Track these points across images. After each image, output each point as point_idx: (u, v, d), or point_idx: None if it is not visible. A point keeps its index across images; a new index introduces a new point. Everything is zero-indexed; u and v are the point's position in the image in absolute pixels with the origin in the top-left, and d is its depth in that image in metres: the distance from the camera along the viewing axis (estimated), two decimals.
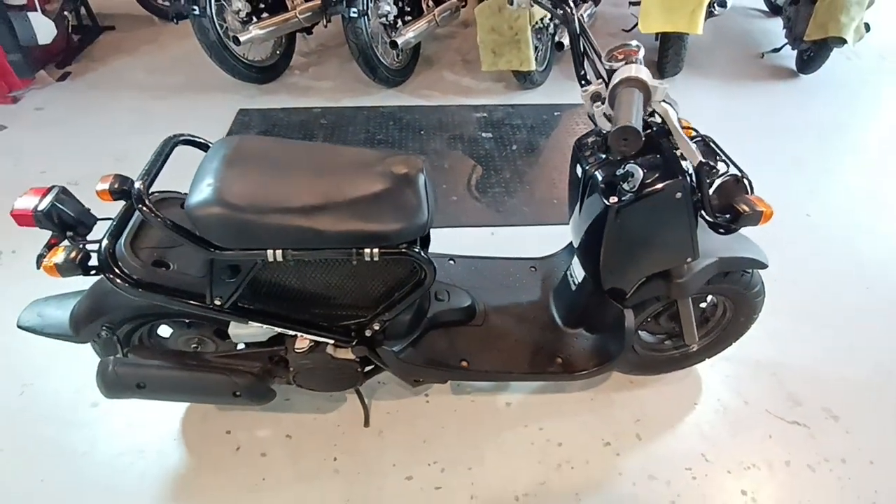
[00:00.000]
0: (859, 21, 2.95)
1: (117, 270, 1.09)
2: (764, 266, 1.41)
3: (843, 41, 2.96)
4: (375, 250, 1.07)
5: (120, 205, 1.22)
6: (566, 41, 2.87)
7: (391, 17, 2.98)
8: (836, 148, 2.82)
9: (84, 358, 1.74)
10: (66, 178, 2.51)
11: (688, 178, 1.08)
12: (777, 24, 3.81)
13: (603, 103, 1.04)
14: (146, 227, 1.18)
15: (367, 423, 1.59)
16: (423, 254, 1.13)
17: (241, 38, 2.80)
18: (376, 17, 2.94)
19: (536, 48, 2.90)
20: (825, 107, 3.16)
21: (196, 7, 2.75)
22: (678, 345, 1.66)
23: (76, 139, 2.81)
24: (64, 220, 1.12)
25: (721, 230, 1.19)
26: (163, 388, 1.29)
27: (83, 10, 3.63)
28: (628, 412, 1.66)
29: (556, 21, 3.02)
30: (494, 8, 2.75)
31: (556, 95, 3.21)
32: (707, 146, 1.13)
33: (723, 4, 3.06)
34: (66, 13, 3.32)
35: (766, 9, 4.18)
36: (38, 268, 1.12)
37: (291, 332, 1.23)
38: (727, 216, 1.13)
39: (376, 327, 1.27)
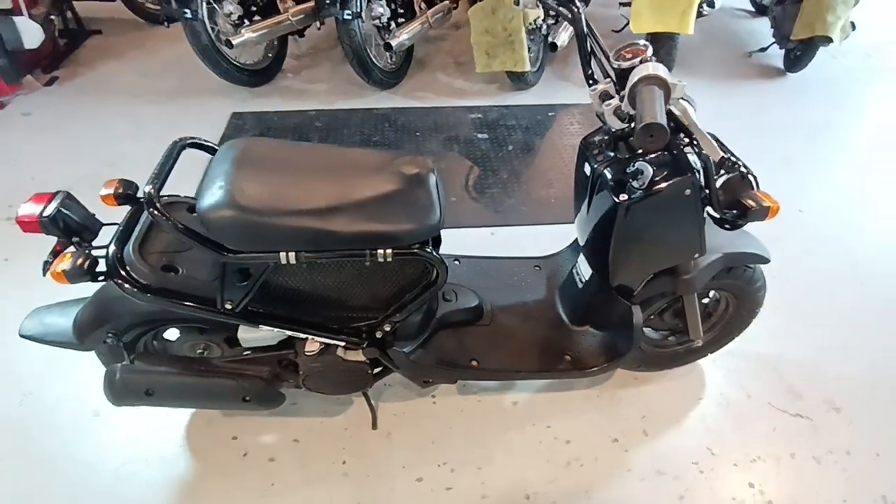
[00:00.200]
0: (845, 20, 3.02)
1: (126, 276, 1.08)
2: (766, 261, 1.43)
3: (830, 40, 3.02)
4: (388, 251, 1.07)
5: (121, 209, 1.21)
6: (560, 42, 2.90)
7: (384, 20, 2.98)
8: (824, 145, 2.87)
9: (84, 366, 1.71)
10: (58, 184, 2.45)
11: (697, 175, 1.09)
12: (763, 23, 3.87)
13: (619, 101, 1.05)
14: (154, 231, 1.16)
15: (374, 426, 1.58)
16: (435, 254, 1.13)
17: (234, 42, 2.78)
18: (369, 19, 2.93)
19: (529, 49, 2.91)
20: (813, 104, 3.22)
21: (188, 10, 2.72)
22: (681, 340, 1.68)
23: (67, 144, 2.77)
24: (69, 226, 1.10)
25: (727, 226, 1.21)
26: (171, 395, 1.27)
27: (69, 14, 3.58)
28: (634, 409, 1.67)
29: (550, 22, 3.05)
30: (488, 10, 2.76)
31: (550, 96, 3.23)
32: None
33: (711, 5, 3.10)
34: (52, 17, 3.27)
35: (751, 9, 4.24)
36: (45, 275, 1.10)
37: (302, 335, 1.22)
38: (735, 212, 1.14)
39: (387, 328, 1.26)
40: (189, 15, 2.74)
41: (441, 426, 1.62)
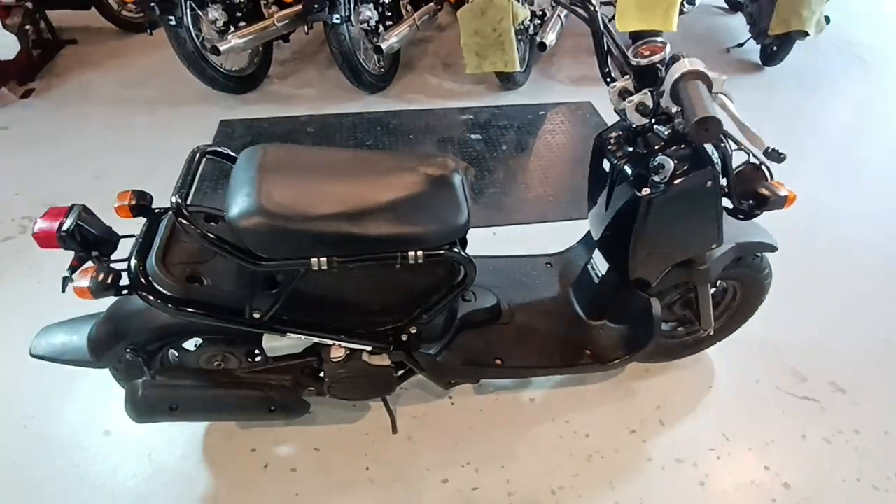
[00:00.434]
0: (820, 14, 3.12)
1: (152, 289, 1.05)
2: (775, 249, 1.47)
3: (806, 34, 3.12)
4: (419, 253, 1.07)
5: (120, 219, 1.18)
6: (548, 41, 2.93)
7: (372, 23, 2.97)
8: (804, 135, 2.97)
9: (87, 385, 1.67)
10: (44, 200, 2.40)
11: (716, 167, 1.12)
12: (738, 20, 3.98)
13: (641, 97, 1.07)
14: (175, 242, 1.14)
15: (394, 430, 1.57)
16: (463, 254, 1.13)
17: (221, 48, 2.73)
18: (357, 23, 2.92)
19: (518, 49, 2.93)
20: (791, 96, 3.32)
21: (172, 17, 2.67)
22: (690, 330, 1.71)
23: (50, 158, 2.68)
24: (88, 240, 1.07)
25: (741, 216, 1.24)
26: (196, 409, 1.24)
27: (42, 24, 3.47)
28: (648, 400, 1.70)
29: (536, 22, 3.08)
30: (477, 11, 2.78)
31: (539, 95, 3.26)
32: (724, 136, 1.17)
33: (692, 2, 3.17)
34: (27, 27, 3.17)
35: (725, 6, 4.35)
36: (64, 291, 1.07)
37: (329, 342, 1.21)
38: (751, 202, 1.17)
39: (413, 331, 1.26)
40: (174, 22, 2.68)
41: (461, 427, 1.62)
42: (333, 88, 3.29)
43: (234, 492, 1.45)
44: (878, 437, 1.61)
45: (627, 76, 1.15)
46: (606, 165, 1.24)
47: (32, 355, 1.28)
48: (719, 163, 1.13)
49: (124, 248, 1.17)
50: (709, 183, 1.13)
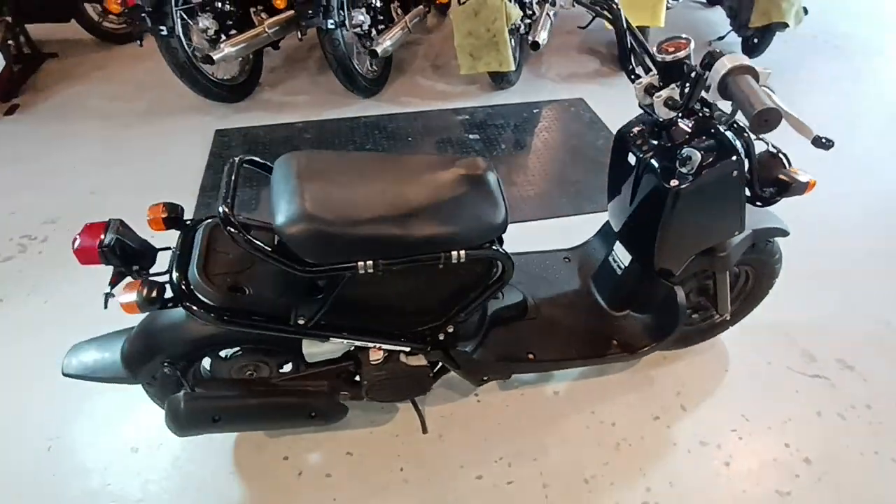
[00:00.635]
0: (798, 6, 3.23)
1: (197, 300, 1.05)
2: (787, 233, 1.52)
3: (786, 25, 3.23)
4: (462, 252, 1.09)
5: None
6: (541, 40, 2.97)
7: (365, 27, 2.97)
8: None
9: (105, 402, 1.66)
10: (41, 218, 2.35)
11: (741, 156, 1.16)
12: (717, 13, 4.09)
13: (669, 92, 1.11)
14: (213, 252, 1.13)
15: (424, 430, 1.58)
16: (502, 250, 1.15)
17: (215, 57, 2.70)
18: (350, 27, 2.92)
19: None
20: (772, 86, 3.42)
21: (164, 27, 2.63)
22: (705, 317, 1.76)
23: (40, 176, 2.62)
24: (128, 254, 1.06)
25: (758, 203, 1.29)
26: (238, 419, 1.24)
27: (22, 38, 3.38)
28: (668, 386, 1.75)
29: (527, 21, 3.11)
30: (470, 12, 2.80)
31: (531, 93, 3.31)
32: (741, 127, 1.22)
33: None
34: (9, 42, 3.09)
35: (704, 0, 4.46)
36: (106, 307, 1.06)
37: (370, 345, 1.22)
38: (772, 189, 1.22)
39: (450, 330, 1.28)
40: (165, 32, 2.65)
41: (490, 423, 1.64)
42: (326, 94, 3.29)
43: (271, 501, 1.45)
44: (890, 410, 1.67)
45: (652, 72, 1.19)
46: (632, 159, 1.28)
47: (65, 374, 1.26)
48: (743, 152, 1.17)
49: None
50: (734, 172, 1.17)
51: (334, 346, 1.23)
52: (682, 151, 1.16)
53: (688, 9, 4.34)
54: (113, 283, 1.08)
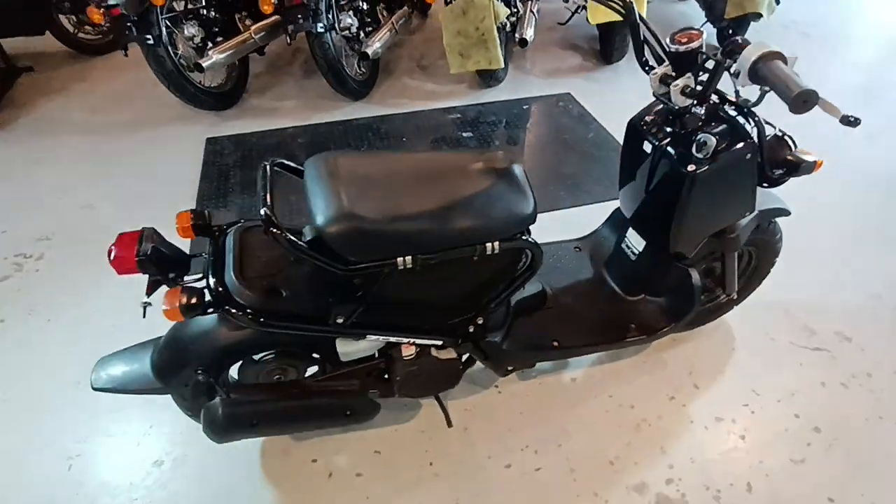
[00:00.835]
0: None
1: (237, 304, 1.05)
2: (789, 213, 1.59)
3: (760, 15, 3.34)
4: (496, 243, 1.11)
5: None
6: (528, 36, 3.02)
7: (353, 30, 2.98)
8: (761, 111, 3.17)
9: (122, 418, 1.64)
10: (35, 235, 2.30)
11: (754, 140, 1.22)
12: (690, 6, 4.20)
13: (685, 81, 1.16)
14: (247, 256, 1.13)
15: (449, 424, 1.60)
16: (532, 239, 1.18)
17: (204, 64, 2.67)
18: (339, 30, 2.92)
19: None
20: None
21: (150, 36, 2.59)
22: (711, 298, 1.82)
23: (28, 193, 2.55)
24: (163, 262, 1.06)
25: (765, 184, 1.35)
26: (276, 422, 1.24)
27: None
28: (680, 367, 1.80)
29: (513, 19, 3.16)
30: (458, 11, 2.83)
31: (519, 90, 3.35)
32: (751, 112, 1.27)
33: None
34: None
35: None
36: (144, 316, 1.06)
37: (404, 340, 1.24)
38: (781, 171, 1.28)
39: (480, 321, 1.30)
40: (151, 41, 2.61)
41: (512, 413, 1.67)
42: (315, 98, 3.27)
43: None
44: (889, 377, 1.76)
45: (665, 63, 1.23)
46: (647, 147, 1.32)
47: (95, 388, 1.24)
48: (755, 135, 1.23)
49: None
50: (748, 155, 1.22)
51: (369, 345, 1.25)
52: (698, 137, 1.21)
53: (660, 3, 4.45)
54: (149, 292, 1.07)
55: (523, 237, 1.17)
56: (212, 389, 1.22)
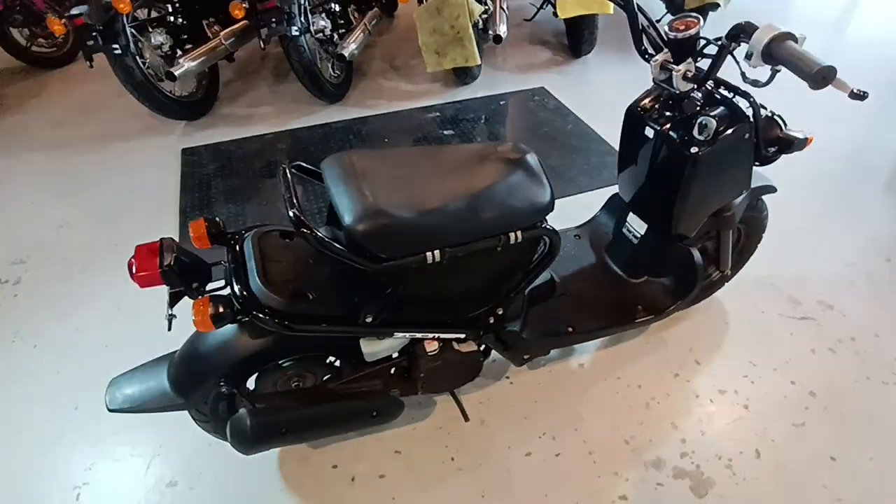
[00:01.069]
0: None
1: (265, 310, 1.04)
2: (775, 190, 1.67)
3: (718, 5, 3.48)
4: (519, 232, 1.13)
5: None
6: (502, 32, 3.05)
7: (327, 32, 2.95)
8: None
9: (130, 439, 1.59)
10: (8, 259, 2.19)
11: (750, 120, 1.28)
12: None
13: (686, 67, 1.21)
14: (269, 261, 1.12)
15: (466, 418, 1.61)
16: (550, 227, 1.20)
17: (176, 73, 2.60)
18: (313, 33, 2.89)
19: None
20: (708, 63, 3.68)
21: (117, 46, 2.51)
22: (704, 276, 1.89)
23: None
24: (185, 273, 1.03)
25: (757, 162, 1.41)
26: (305, 428, 1.22)
27: None
28: (681, 344, 1.87)
29: (485, 16, 3.19)
30: (433, 10, 2.84)
31: (494, 86, 3.39)
32: (746, 93, 1.33)
33: None
34: None
35: None
36: (170, 329, 1.03)
37: (429, 336, 1.24)
38: (774, 149, 1.34)
39: (500, 312, 1.32)
40: (119, 51, 2.52)
41: (526, 402, 1.69)
42: (290, 103, 3.23)
43: None
44: (871, 339, 1.87)
45: (664, 51, 1.28)
46: (649, 132, 1.36)
47: (111, 410, 1.20)
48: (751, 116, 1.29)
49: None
50: (746, 135, 1.28)
51: (394, 343, 1.24)
52: (699, 120, 1.26)
53: None
54: (172, 304, 1.04)
55: (542, 225, 1.19)
56: (234, 401, 1.20)
